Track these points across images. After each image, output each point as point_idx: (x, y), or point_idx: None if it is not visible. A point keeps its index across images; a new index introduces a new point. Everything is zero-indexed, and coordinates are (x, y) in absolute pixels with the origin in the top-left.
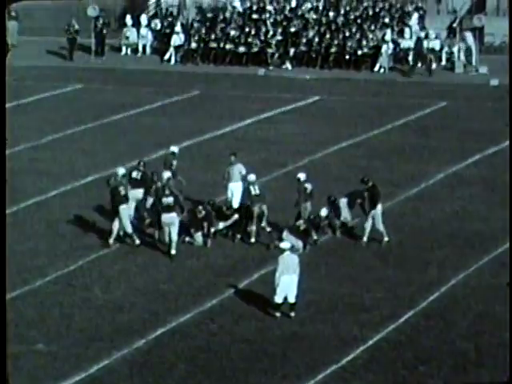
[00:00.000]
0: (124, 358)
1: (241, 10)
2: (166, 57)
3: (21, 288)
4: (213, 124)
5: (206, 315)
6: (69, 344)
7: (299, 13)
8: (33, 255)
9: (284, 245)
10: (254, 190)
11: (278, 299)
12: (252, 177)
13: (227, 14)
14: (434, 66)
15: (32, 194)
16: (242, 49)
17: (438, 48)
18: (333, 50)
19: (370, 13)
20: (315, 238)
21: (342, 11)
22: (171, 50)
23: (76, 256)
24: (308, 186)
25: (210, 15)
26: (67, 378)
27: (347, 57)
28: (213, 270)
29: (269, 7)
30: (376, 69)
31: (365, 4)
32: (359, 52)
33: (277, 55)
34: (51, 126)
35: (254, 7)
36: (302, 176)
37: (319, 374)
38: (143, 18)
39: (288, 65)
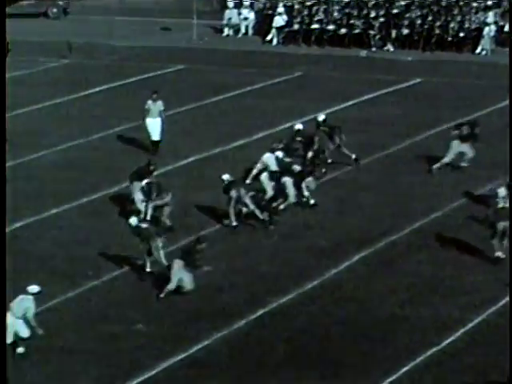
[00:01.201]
0: (224, 338)
1: None
2: (268, 38)
3: (121, 268)
4: (314, 105)
5: (307, 296)
6: (168, 324)
7: None
8: (131, 236)
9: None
10: None
11: None
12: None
13: None
14: None
15: None
16: (343, 30)
17: None
18: (435, 31)
19: None
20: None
21: None
22: (273, 31)
23: (176, 237)
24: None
25: None
26: (167, 358)
27: (449, 39)
28: (313, 252)
29: None
30: (478, 51)
31: None
32: (461, 34)
33: (379, 37)
34: None
35: None
36: None
37: (419, 357)
38: None
39: (390, 46)
